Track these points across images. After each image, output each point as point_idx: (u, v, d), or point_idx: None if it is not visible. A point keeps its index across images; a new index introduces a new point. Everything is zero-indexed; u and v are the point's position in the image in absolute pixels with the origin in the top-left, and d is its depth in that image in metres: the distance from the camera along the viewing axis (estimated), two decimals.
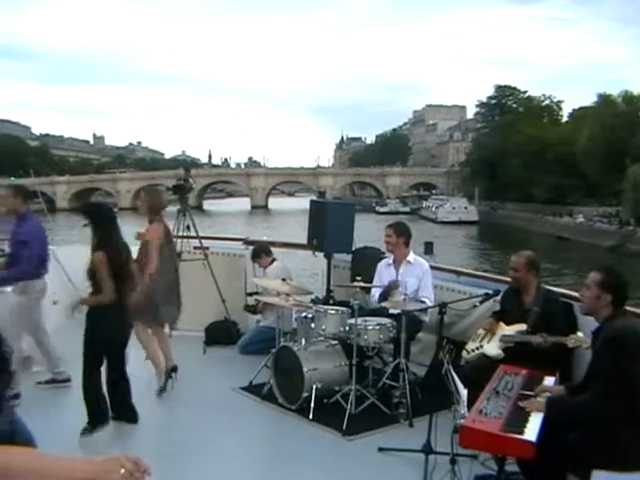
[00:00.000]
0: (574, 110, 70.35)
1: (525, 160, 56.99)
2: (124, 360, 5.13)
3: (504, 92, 77.02)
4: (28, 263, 5.67)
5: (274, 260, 7.49)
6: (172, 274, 6.13)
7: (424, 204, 77.33)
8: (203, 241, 7.90)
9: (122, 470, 1.88)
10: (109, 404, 5.04)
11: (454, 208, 65.51)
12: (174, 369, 6.04)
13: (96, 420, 4.89)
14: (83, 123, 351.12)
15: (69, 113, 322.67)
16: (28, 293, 5.78)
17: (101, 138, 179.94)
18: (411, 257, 6.15)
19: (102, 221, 5.06)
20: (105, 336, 4.90)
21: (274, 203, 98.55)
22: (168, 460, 4.38)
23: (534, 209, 55.84)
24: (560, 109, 73.74)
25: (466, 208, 65.75)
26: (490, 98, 77.50)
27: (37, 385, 5.89)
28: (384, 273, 6.20)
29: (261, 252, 7.53)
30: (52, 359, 6.00)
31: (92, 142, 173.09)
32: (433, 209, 69.32)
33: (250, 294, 7.50)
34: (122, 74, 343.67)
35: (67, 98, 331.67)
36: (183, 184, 7.95)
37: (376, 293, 6.09)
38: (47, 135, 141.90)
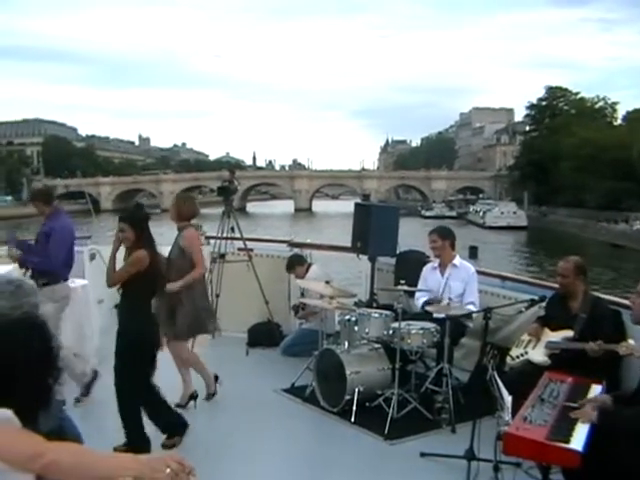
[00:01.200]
0: (628, 112, 68.50)
1: (578, 164, 55.06)
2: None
3: (555, 93, 74.94)
4: (52, 257, 5.52)
5: (310, 265, 7.51)
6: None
7: (471, 208, 75.68)
8: (247, 243, 7.97)
9: (167, 470, 1.91)
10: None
11: (502, 213, 63.73)
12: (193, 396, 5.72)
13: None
14: (129, 125, 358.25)
15: (116, 115, 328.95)
16: (55, 300, 5.50)
17: (146, 139, 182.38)
18: (457, 261, 6.11)
19: (142, 221, 4.82)
20: (136, 340, 4.58)
21: (318, 206, 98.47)
22: (209, 460, 4.39)
23: (586, 215, 53.81)
24: (615, 111, 71.56)
25: (515, 213, 63.84)
26: (540, 100, 75.61)
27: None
28: (429, 277, 6.16)
29: (294, 264, 7.53)
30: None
31: (137, 143, 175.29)
32: (481, 214, 67.71)
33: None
34: (169, 77, 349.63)
35: (115, 100, 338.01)
36: (228, 186, 8.03)
37: (420, 297, 6.05)
38: (93, 136, 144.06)
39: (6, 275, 3.25)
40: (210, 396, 5.83)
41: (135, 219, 4.80)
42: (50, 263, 5.55)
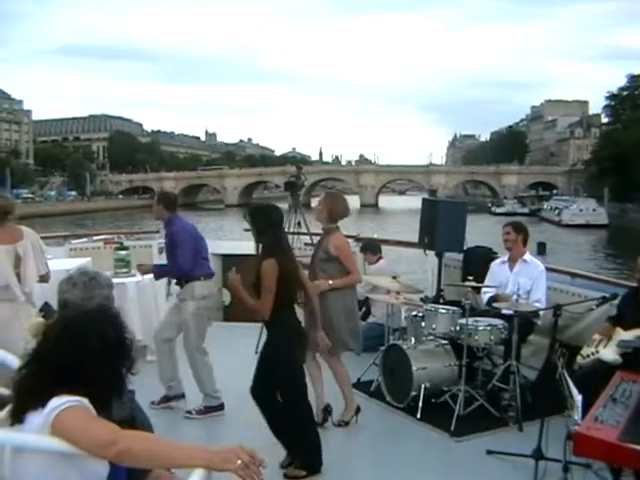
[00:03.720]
0: None
1: None
2: (303, 386, 4.54)
3: (637, 82, 70.59)
4: (180, 258, 5.51)
5: (380, 258, 7.56)
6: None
7: (545, 205, 71.86)
8: (314, 237, 8.02)
9: (238, 461, 1.95)
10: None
11: (581, 210, 59.35)
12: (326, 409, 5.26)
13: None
14: (196, 120, 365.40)
15: (183, 111, 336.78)
16: (195, 298, 5.50)
17: (213, 135, 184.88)
18: (527, 256, 6.04)
19: (271, 225, 4.46)
20: (279, 356, 4.34)
21: (384, 201, 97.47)
22: (273, 451, 4.38)
23: None
24: None
25: (594, 210, 59.43)
26: (621, 89, 71.66)
27: (186, 415, 5.47)
28: (497, 271, 6.10)
29: (368, 249, 7.65)
30: (204, 385, 5.52)
31: (204, 139, 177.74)
32: (556, 211, 63.48)
33: None
34: (236, 73, 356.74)
35: (182, 97, 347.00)
36: (295, 181, 8.12)
37: (487, 292, 6.00)
38: (158, 131, 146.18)
39: (83, 267, 3.38)
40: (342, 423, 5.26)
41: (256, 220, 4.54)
42: (179, 267, 5.55)
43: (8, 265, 4.47)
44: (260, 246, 4.46)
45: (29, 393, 2.16)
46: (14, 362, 2.78)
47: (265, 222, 4.47)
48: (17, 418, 2.16)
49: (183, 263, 5.52)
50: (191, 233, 5.71)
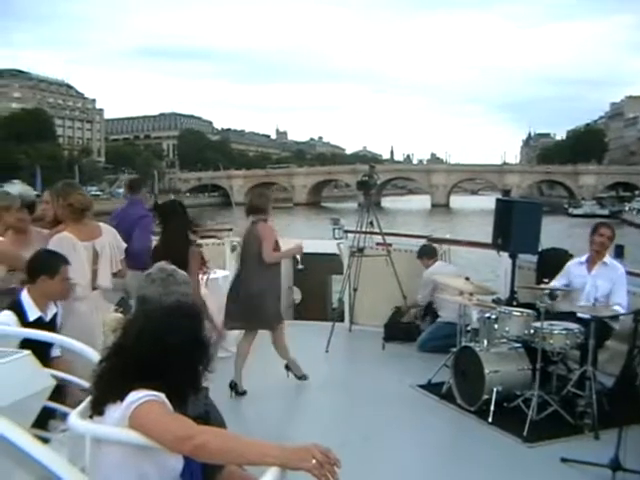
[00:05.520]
0: None
1: None
2: None
3: None
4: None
5: (436, 260, 7.65)
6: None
7: (627, 207, 68.61)
8: (386, 237, 8.00)
9: (313, 460, 1.95)
10: None
11: None
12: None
13: None
14: (267, 119, 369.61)
15: (255, 110, 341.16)
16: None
17: (284, 133, 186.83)
18: (607, 259, 5.85)
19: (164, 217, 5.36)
20: None
21: (456, 202, 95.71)
22: (344, 450, 4.42)
23: None
24: None
25: None
26: None
27: None
28: (574, 272, 5.92)
29: (423, 254, 7.73)
30: None
31: (274, 137, 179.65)
32: None
33: None
34: (307, 72, 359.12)
35: (254, 96, 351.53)
36: (367, 180, 8.10)
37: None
38: (228, 130, 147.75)
39: (160, 264, 3.46)
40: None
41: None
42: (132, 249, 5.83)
43: (86, 262, 4.60)
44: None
45: (108, 386, 2.22)
46: (94, 356, 2.87)
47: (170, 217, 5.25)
48: (97, 410, 2.23)
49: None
50: (120, 222, 5.89)
